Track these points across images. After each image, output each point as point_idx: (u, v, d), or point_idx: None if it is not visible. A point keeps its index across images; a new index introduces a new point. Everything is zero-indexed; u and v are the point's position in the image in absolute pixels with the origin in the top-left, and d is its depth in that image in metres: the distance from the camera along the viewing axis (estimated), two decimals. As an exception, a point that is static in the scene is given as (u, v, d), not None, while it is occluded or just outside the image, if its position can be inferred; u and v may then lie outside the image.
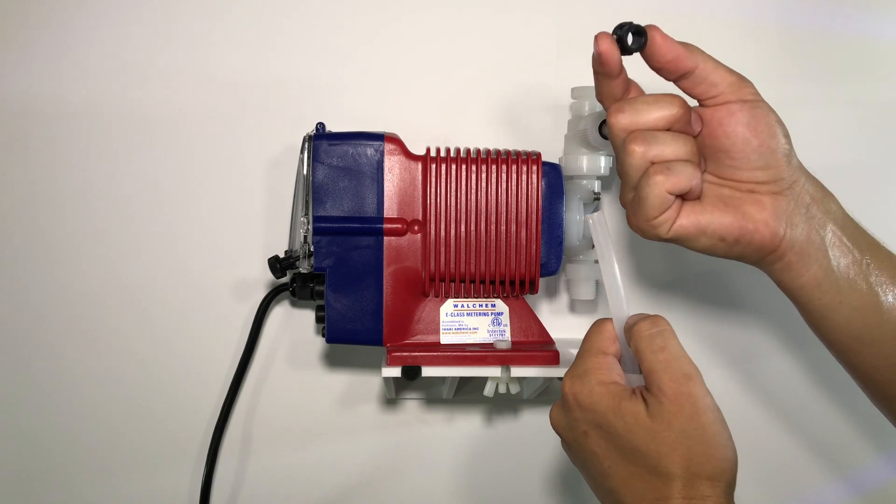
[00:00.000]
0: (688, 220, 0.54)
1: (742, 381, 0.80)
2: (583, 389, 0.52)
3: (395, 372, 0.64)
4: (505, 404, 0.80)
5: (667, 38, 0.52)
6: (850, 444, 0.81)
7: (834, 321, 0.57)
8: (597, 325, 0.55)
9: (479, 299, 0.69)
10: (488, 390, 0.66)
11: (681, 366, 0.50)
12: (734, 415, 0.53)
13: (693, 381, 0.50)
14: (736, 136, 0.53)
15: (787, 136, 0.54)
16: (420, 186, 0.66)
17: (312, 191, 0.65)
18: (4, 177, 0.75)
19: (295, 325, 0.77)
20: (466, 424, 0.80)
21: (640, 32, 0.52)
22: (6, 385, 0.77)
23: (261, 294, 0.75)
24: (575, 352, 0.57)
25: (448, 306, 0.68)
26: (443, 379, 0.75)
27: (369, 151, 0.66)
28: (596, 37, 0.52)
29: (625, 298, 0.54)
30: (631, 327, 0.53)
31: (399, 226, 0.66)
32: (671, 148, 0.52)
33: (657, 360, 0.50)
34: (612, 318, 0.54)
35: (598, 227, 0.54)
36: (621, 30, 0.52)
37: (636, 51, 0.52)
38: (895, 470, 0.81)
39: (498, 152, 0.67)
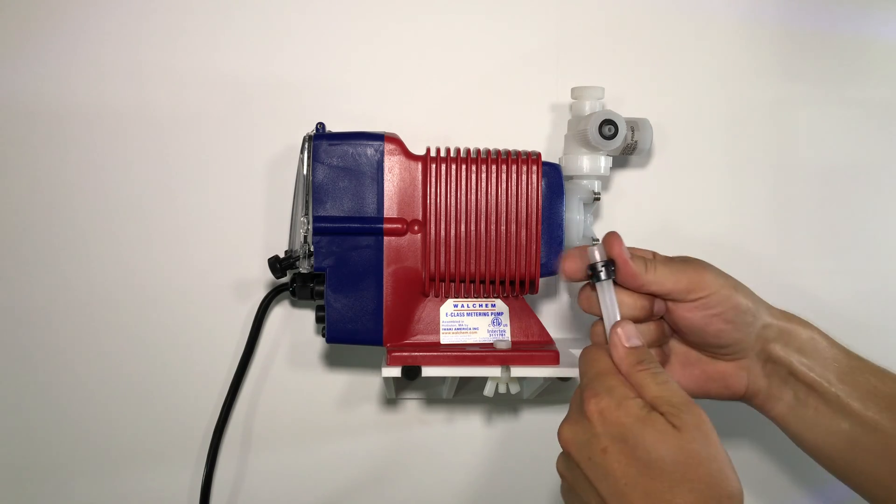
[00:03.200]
0: None
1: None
2: (610, 404, 0.51)
3: (395, 372, 0.64)
4: (505, 404, 0.80)
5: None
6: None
7: (812, 442, 0.61)
8: (600, 350, 0.55)
9: (479, 299, 0.69)
10: (488, 390, 0.66)
11: (684, 393, 0.52)
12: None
13: (698, 406, 0.51)
14: (693, 326, 0.59)
15: (743, 313, 0.58)
16: (420, 186, 0.66)
17: (312, 191, 0.65)
18: (7, 176, 0.75)
19: (295, 325, 0.77)
20: (466, 424, 0.80)
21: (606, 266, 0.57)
22: (7, 383, 0.77)
23: (261, 294, 0.75)
24: (575, 352, 0.57)
25: (448, 306, 0.68)
26: (443, 379, 0.75)
27: (369, 151, 0.66)
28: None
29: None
30: (631, 366, 0.53)
31: (399, 226, 0.66)
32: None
33: (664, 389, 0.51)
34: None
35: (605, 294, 0.56)
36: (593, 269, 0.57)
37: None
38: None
39: (498, 152, 0.66)
